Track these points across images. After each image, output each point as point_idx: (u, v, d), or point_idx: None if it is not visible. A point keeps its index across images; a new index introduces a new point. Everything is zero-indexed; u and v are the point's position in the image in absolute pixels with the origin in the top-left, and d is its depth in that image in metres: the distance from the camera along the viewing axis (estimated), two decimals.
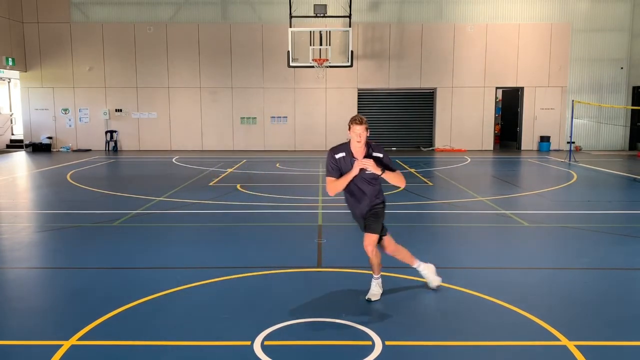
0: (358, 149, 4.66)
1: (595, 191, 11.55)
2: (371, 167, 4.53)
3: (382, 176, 4.63)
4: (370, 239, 4.77)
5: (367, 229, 4.78)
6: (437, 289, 5.11)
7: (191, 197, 10.42)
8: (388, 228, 4.98)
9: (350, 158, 4.68)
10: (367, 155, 4.66)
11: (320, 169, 15.17)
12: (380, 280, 5.02)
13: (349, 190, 4.81)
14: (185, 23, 21.64)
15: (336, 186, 4.71)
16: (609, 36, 21.83)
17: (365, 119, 4.66)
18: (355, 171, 4.60)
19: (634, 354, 3.90)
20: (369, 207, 4.80)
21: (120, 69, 21.86)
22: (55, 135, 22.18)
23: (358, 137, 4.58)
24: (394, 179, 4.71)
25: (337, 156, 4.72)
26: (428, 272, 5.14)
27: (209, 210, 9.29)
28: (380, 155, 4.70)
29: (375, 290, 4.96)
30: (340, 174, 4.73)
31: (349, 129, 4.64)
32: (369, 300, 4.86)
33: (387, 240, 4.98)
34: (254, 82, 21.88)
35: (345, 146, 4.74)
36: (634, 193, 11.58)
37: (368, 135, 4.66)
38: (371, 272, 5.02)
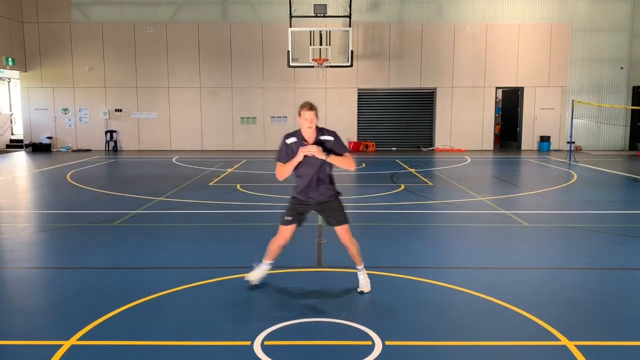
0: (309, 134, 4.74)
1: (595, 191, 11.54)
2: (315, 153, 4.60)
3: (328, 160, 4.69)
4: (342, 231, 4.92)
5: (335, 223, 4.92)
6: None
7: (191, 197, 10.42)
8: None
9: (301, 143, 4.75)
10: (317, 140, 4.75)
11: None
12: (364, 270, 5.09)
13: (299, 176, 4.86)
14: (185, 23, 21.64)
15: (283, 171, 4.80)
16: (609, 36, 21.83)
17: (315, 106, 4.74)
18: (299, 157, 4.68)
19: (634, 354, 3.90)
20: (321, 196, 4.86)
21: (120, 69, 21.86)
22: (55, 135, 22.18)
23: (309, 122, 4.67)
24: (341, 162, 4.76)
25: (289, 141, 4.80)
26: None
27: (209, 210, 9.29)
28: (331, 138, 4.77)
29: (363, 282, 5.02)
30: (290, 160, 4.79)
31: (299, 115, 4.72)
32: (362, 293, 4.95)
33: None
34: (254, 82, 21.88)
35: (297, 132, 4.81)
36: (634, 193, 11.57)
37: (317, 121, 4.74)
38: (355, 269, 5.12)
